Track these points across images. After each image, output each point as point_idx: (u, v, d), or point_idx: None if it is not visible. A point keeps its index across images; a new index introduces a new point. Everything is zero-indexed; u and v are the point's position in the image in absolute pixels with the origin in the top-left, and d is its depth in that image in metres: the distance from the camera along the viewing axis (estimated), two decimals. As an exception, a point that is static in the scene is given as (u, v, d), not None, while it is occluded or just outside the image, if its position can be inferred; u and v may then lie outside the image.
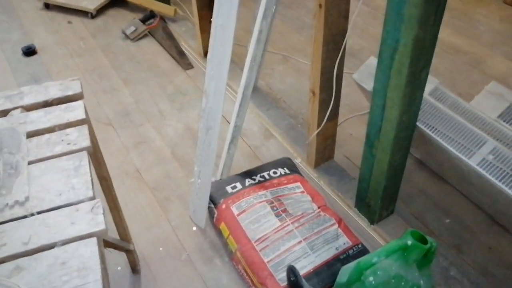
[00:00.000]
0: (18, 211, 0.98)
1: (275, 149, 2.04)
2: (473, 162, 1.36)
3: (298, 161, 1.97)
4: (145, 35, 2.83)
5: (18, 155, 1.09)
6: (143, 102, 2.35)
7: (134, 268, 1.63)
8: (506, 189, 1.29)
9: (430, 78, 1.59)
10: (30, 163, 1.07)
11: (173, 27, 2.85)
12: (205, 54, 2.53)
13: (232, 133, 1.72)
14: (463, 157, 1.37)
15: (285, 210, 1.63)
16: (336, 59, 1.56)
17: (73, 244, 0.92)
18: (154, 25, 2.84)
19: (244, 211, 1.64)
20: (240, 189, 1.71)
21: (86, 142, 1.13)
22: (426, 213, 1.76)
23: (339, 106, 1.78)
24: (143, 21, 2.86)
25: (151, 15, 2.89)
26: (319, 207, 1.65)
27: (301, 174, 1.81)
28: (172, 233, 1.75)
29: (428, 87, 1.56)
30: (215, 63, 1.49)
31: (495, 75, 2.33)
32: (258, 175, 1.77)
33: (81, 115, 1.20)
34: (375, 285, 1.32)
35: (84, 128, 1.16)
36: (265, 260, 1.51)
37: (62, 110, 1.22)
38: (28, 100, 1.25)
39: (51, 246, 0.91)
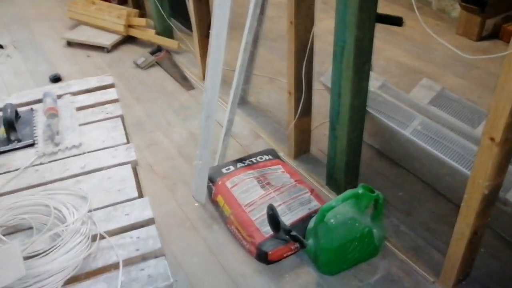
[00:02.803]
0: (75, 151, 1.41)
1: (262, 146, 2.48)
2: (407, 132, 1.80)
3: (281, 154, 2.40)
4: (154, 65, 3.33)
5: (71, 120, 1.53)
6: (153, 115, 2.81)
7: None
8: (431, 149, 1.72)
9: (379, 77, 2.07)
10: (80, 125, 1.52)
11: (177, 58, 3.37)
12: (205, 77, 3.01)
13: (226, 126, 2.17)
14: (400, 129, 1.81)
15: (268, 183, 2.05)
16: (307, 66, 2.04)
17: (114, 168, 1.35)
18: (161, 56, 3.36)
19: (236, 185, 2.06)
20: (233, 170, 2.14)
21: (120, 112, 1.58)
22: (384, 189, 2.14)
23: (311, 104, 2.23)
24: (152, 53, 3.37)
25: (158, 48, 3.41)
26: (295, 181, 2.08)
27: (282, 160, 2.25)
28: (178, 208, 2.16)
29: (377, 83, 2.03)
30: (211, 65, 1.96)
31: (446, 87, 2.81)
32: (247, 160, 2.20)
33: (114, 96, 1.66)
34: (335, 225, 1.72)
35: (117, 104, 1.62)
36: (253, 219, 1.91)
37: (100, 94, 1.68)
38: (74, 89, 1.71)
39: (100, 169, 1.34)
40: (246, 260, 1.90)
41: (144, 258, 1.08)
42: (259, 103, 2.84)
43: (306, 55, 1.98)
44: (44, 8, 4.36)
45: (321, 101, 2.47)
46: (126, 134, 1.49)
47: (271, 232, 1.86)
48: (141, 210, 1.20)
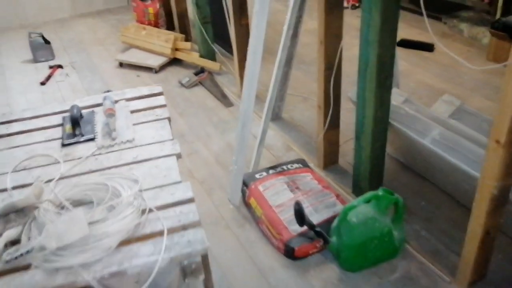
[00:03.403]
0: (128, 145, 1.65)
1: (294, 157, 2.66)
2: (426, 141, 1.94)
3: (310, 164, 2.58)
4: (197, 84, 3.61)
5: (127, 121, 1.77)
6: (194, 128, 3.06)
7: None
8: (449, 157, 1.86)
9: (403, 93, 2.23)
10: (133, 124, 1.76)
11: (218, 78, 3.63)
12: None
13: (260, 136, 2.38)
14: (419, 139, 1.97)
15: (297, 188, 2.23)
16: (335, 81, 2.23)
17: (162, 158, 1.57)
18: (203, 77, 3.63)
19: (267, 188, 2.24)
20: (265, 176, 2.33)
21: (167, 115, 1.81)
22: (407, 198, 2.28)
23: (339, 118, 2.41)
24: (196, 74, 3.65)
25: (202, 70, 3.69)
26: (323, 187, 2.25)
27: (311, 169, 2.42)
28: (215, 210, 2.36)
29: (401, 99, 2.19)
30: (248, 79, 2.19)
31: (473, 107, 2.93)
32: (279, 167, 2.39)
33: (163, 102, 1.90)
34: (357, 224, 1.88)
35: (165, 108, 1.86)
36: (281, 218, 2.09)
37: (151, 100, 1.92)
38: (129, 95, 1.96)
39: (149, 159, 1.57)
40: (274, 255, 2.07)
41: (184, 227, 1.28)
42: (292, 119, 3.04)
43: (334, 71, 2.18)
44: (100, 33, 4.77)
45: (351, 119, 2.63)
46: (172, 133, 1.72)
47: (299, 231, 2.03)
48: (184, 192, 1.41)
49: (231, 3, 2.95)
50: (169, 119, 1.80)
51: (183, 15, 4.10)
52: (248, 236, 2.19)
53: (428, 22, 1.67)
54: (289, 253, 2.01)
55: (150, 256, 1.20)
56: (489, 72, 3.39)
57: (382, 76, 1.93)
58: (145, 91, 2.00)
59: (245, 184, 2.33)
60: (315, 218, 2.07)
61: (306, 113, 3.10)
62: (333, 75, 2.19)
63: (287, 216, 2.08)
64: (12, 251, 1.22)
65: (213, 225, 2.27)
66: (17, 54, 4.41)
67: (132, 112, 1.84)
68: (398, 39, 4.01)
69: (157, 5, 4.30)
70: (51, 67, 4.04)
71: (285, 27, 2.17)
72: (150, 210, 1.34)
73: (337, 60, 2.14)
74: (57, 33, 4.81)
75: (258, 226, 2.21)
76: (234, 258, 2.08)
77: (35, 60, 4.20)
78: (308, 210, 2.09)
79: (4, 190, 1.47)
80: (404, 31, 3.95)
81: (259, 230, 2.20)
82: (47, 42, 4.22)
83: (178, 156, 1.60)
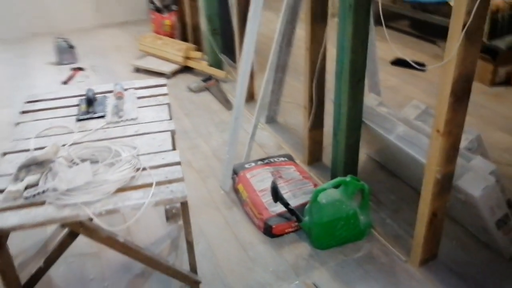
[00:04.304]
0: (132, 122, 1.96)
1: (283, 155, 2.95)
2: (391, 137, 2.22)
3: (297, 161, 2.86)
4: (204, 90, 3.94)
5: (133, 104, 2.10)
6: (197, 126, 3.38)
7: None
8: (409, 150, 2.14)
9: (377, 97, 2.52)
10: (138, 107, 2.08)
11: (224, 86, 3.96)
12: (246, 101, 3.57)
13: (252, 131, 2.68)
14: (385, 134, 2.25)
15: (280, 176, 2.52)
16: (318, 83, 2.53)
17: (158, 133, 1.88)
18: (211, 83, 3.97)
19: (254, 176, 2.53)
20: (254, 166, 2.62)
21: (167, 101, 2.13)
22: (379, 192, 2.56)
23: (323, 118, 2.70)
24: (203, 81, 3.99)
25: (209, 77, 4.03)
26: (303, 177, 2.53)
27: (296, 163, 2.71)
28: (208, 194, 2.65)
29: (375, 102, 2.48)
30: (240, 79, 2.50)
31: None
32: (266, 160, 2.68)
33: (165, 91, 2.22)
34: (325, 204, 2.15)
35: (167, 96, 2.18)
36: (263, 201, 2.37)
37: (155, 89, 2.25)
38: (137, 85, 2.29)
39: (148, 133, 1.88)
40: (255, 233, 2.34)
41: (170, 182, 1.58)
42: (286, 123, 3.34)
43: (316, 74, 2.48)
44: (120, 41, 5.18)
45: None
46: (170, 115, 2.04)
47: (277, 212, 2.30)
48: (173, 157, 1.72)
49: (236, 16, 3.29)
50: (168, 105, 2.12)
51: (196, 27, 4.47)
52: (234, 217, 2.47)
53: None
54: (268, 230, 2.29)
55: (139, 199, 1.50)
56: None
57: (355, 79, 2.22)
58: (151, 82, 2.33)
59: (235, 172, 2.62)
60: (293, 202, 2.34)
61: (299, 117, 3.38)
62: (315, 78, 2.49)
63: (268, 199, 2.36)
64: (31, 191, 1.53)
65: (205, 206, 2.56)
66: (43, 56, 4.82)
67: (139, 98, 2.17)
68: (392, 58, 4.34)
69: (173, 18, 4.68)
70: (73, 69, 4.42)
71: (276, 35, 2.49)
72: (144, 169, 1.64)
73: (318, 64, 2.45)
74: (82, 40, 5.22)
75: (243, 208, 2.49)
76: (220, 234, 2.36)
77: (59, 63, 4.60)
78: (287, 195, 2.37)
79: (28, 150, 1.79)
80: (400, 51, 4.25)
81: (244, 212, 2.49)
82: (71, 46, 4.62)
83: (173, 132, 1.91)
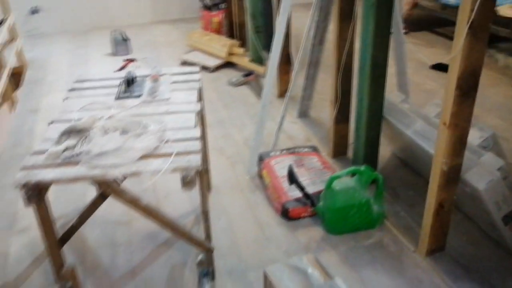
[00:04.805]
0: (164, 102, 2.17)
1: (310, 147, 3.08)
2: (409, 132, 2.31)
3: (322, 154, 2.98)
4: (243, 84, 4.13)
5: (166, 87, 2.31)
6: (233, 117, 3.57)
7: (209, 189, 2.71)
8: (423, 144, 2.21)
9: (401, 95, 2.60)
10: (172, 90, 2.29)
11: (263, 81, 4.13)
12: (280, 95, 3.73)
13: (280, 122, 2.83)
14: (403, 129, 2.33)
15: (302, 165, 2.65)
16: (344, 78, 2.65)
17: (185, 113, 2.07)
18: (250, 78, 4.16)
19: (278, 163, 2.68)
20: (279, 154, 2.77)
21: (198, 86, 2.32)
22: (398, 187, 2.64)
23: (349, 113, 2.81)
24: (244, 75, 4.19)
25: (250, 72, 4.22)
26: (324, 167, 2.65)
27: (320, 154, 2.83)
28: (234, 178, 2.83)
29: (399, 99, 2.56)
30: (269, 71, 2.66)
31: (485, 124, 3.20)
32: (292, 149, 2.82)
33: (197, 77, 2.41)
34: (339, 191, 2.27)
35: (198, 82, 2.37)
36: (283, 186, 2.51)
37: (189, 76, 2.45)
38: (173, 71, 2.50)
39: (176, 112, 2.07)
40: (273, 216, 2.49)
41: (188, 153, 1.76)
42: (318, 117, 3.46)
43: (341, 70, 2.60)
44: (171, 37, 5.48)
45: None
46: (200, 97, 2.23)
47: (295, 196, 2.44)
48: (194, 133, 1.90)
49: (277, 15, 3.46)
50: (199, 89, 2.31)
51: (242, 25, 4.67)
52: (256, 199, 2.63)
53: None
54: (285, 213, 2.43)
55: (159, 165, 1.69)
56: (510, 97, 3.63)
57: (376, 75, 2.33)
58: (186, 69, 2.54)
59: (261, 159, 2.78)
60: (311, 188, 2.47)
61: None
62: (340, 73, 2.61)
63: (288, 185, 2.50)
64: (69, 153, 1.76)
65: (230, 189, 2.74)
66: (100, 48, 5.19)
67: (173, 82, 2.37)
68: (433, 63, 4.34)
69: (221, 16, 4.92)
70: (126, 60, 4.74)
71: (305, 32, 2.63)
72: (167, 141, 1.83)
73: (343, 60, 2.56)
74: (137, 34, 5.56)
75: (265, 192, 2.64)
76: (240, 214, 2.53)
77: (114, 54, 4.94)
78: (306, 182, 2.50)
79: (70, 120, 2.03)
80: (442, 57, 4.27)
81: (265, 196, 2.64)
82: (126, 39, 4.95)
83: (199, 113, 2.09)
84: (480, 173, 1.95)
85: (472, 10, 1.57)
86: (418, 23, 5.32)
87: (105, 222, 2.49)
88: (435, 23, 5.29)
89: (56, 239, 1.91)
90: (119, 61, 4.78)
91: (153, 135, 1.83)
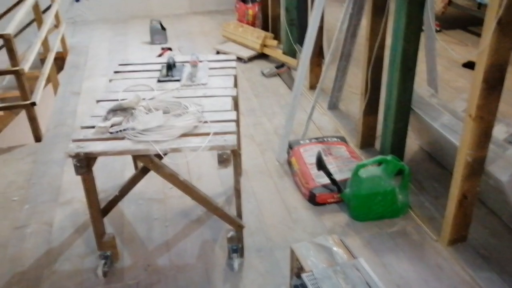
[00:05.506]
0: (202, 86, 2.30)
1: (339, 138, 3.17)
2: (436, 125, 2.38)
3: (351, 144, 3.06)
4: (275, 76, 4.24)
5: (205, 72, 2.44)
6: (264, 106, 3.68)
7: (240, 172, 2.83)
8: (449, 136, 2.28)
9: (428, 89, 2.67)
10: (209, 76, 2.41)
11: (295, 73, 4.23)
12: (311, 87, 3.82)
13: (310, 112, 2.93)
14: (430, 122, 2.40)
15: (330, 153, 2.75)
16: (374, 71, 2.72)
17: (222, 97, 2.19)
18: (282, 70, 4.26)
19: (306, 151, 2.79)
20: (308, 142, 2.87)
21: (234, 73, 2.44)
22: (424, 180, 2.71)
23: (378, 106, 2.88)
24: (276, 67, 4.29)
25: (282, 65, 4.32)
26: (352, 156, 2.74)
27: (347, 144, 2.92)
28: (264, 164, 2.95)
29: (428, 93, 2.63)
30: (301, 63, 2.76)
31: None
32: (320, 138, 2.92)
33: (233, 65, 2.53)
34: (365, 178, 2.36)
35: (234, 69, 2.49)
36: (311, 172, 2.62)
37: (225, 63, 2.57)
38: (210, 58, 2.63)
39: (213, 96, 2.20)
40: (300, 200, 2.60)
41: (224, 133, 1.89)
42: (348, 110, 3.54)
43: (371, 63, 2.68)
44: (206, 28, 5.63)
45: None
46: (236, 84, 2.35)
47: (322, 183, 2.54)
48: (230, 116, 2.02)
49: (311, 8, 3.55)
50: (235, 76, 2.43)
51: (276, 17, 4.77)
52: (284, 184, 2.75)
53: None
54: (312, 198, 2.53)
55: (198, 143, 1.82)
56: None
57: (406, 67, 2.40)
58: (222, 57, 2.66)
59: (290, 146, 2.89)
60: (338, 176, 2.57)
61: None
62: (371, 65, 2.68)
63: (316, 172, 2.61)
64: (115, 128, 1.91)
65: (259, 174, 2.86)
66: (139, 36, 5.38)
67: (210, 68, 2.50)
68: (466, 61, 4.35)
69: (256, 8, 5.03)
70: (162, 48, 4.91)
71: (339, 25, 2.72)
72: (205, 121, 1.96)
73: (374, 54, 2.64)
74: (173, 24, 5.74)
75: (294, 178, 2.75)
76: (269, 197, 2.65)
77: (152, 42, 5.12)
78: (333, 169, 2.60)
79: (116, 99, 2.18)
80: (474, 55, 4.28)
81: (293, 182, 2.75)
82: (163, 29, 5.12)
83: (235, 98, 2.22)
84: (504, 166, 2.01)
85: (500, 6, 1.64)
86: (452, 21, 5.31)
87: (141, 199, 2.65)
88: (469, 22, 5.27)
89: (99, 209, 2.07)
90: (156, 49, 4.95)
91: (192, 115, 1.96)
